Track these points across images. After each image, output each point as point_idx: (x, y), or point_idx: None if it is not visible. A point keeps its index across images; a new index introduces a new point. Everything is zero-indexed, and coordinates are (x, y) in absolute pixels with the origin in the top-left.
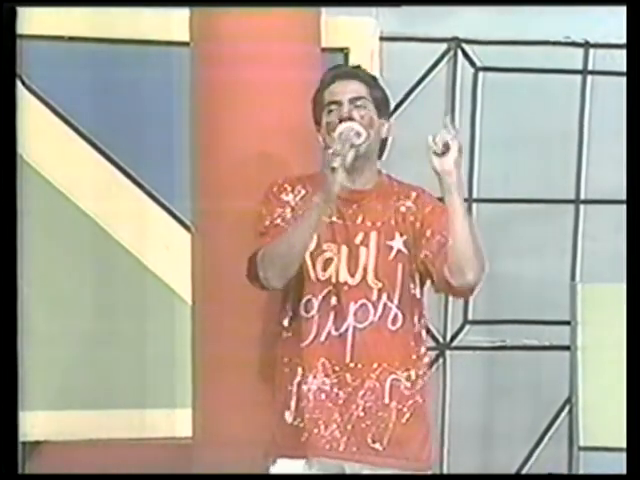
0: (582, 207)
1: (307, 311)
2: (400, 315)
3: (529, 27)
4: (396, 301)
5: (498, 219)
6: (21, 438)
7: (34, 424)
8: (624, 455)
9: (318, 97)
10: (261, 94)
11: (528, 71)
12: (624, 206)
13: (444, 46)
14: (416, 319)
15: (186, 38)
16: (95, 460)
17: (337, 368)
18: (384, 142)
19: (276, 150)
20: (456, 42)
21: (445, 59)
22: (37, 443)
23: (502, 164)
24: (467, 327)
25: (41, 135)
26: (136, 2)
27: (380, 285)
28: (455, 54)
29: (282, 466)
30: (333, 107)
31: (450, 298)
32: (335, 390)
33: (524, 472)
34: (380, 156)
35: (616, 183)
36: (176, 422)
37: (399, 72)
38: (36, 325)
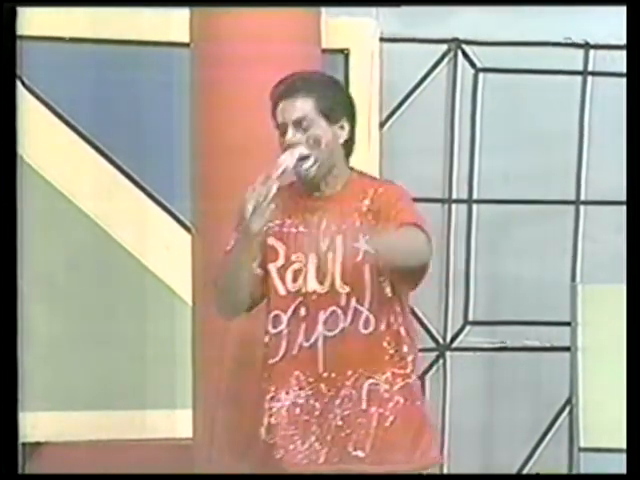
0: (582, 208)
1: (275, 327)
2: (372, 317)
3: (529, 28)
4: (367, 304)
5: (498, 220)
6: (22, 439)
7: (35, 425)
8: (624, 456)
9: (274, 116)
10: (261, 95)
11: (528, 72)
12: (624, 207)
13: (444, 47)
14: (392, 318)
15: (186, 39)
16: (96, 461)
17: (311, 379)
18: (348, 143)
19: (277, 150)
20: (456, 43)
21: (445, 60)
22: (38, 444)
23: (502, 165)
24: (467, 328)
25: (41, 136)
26: (136, 2)
27: (348, 289)
28: (455, 55)
29: None
30: (282, 130)
31: (450, 299)
32: (311, 402)
33: (525, 472)
34: (348, 156)
35: (616, 184)
36: (176, 423)
37: (399, 73)
38: (36, 326)
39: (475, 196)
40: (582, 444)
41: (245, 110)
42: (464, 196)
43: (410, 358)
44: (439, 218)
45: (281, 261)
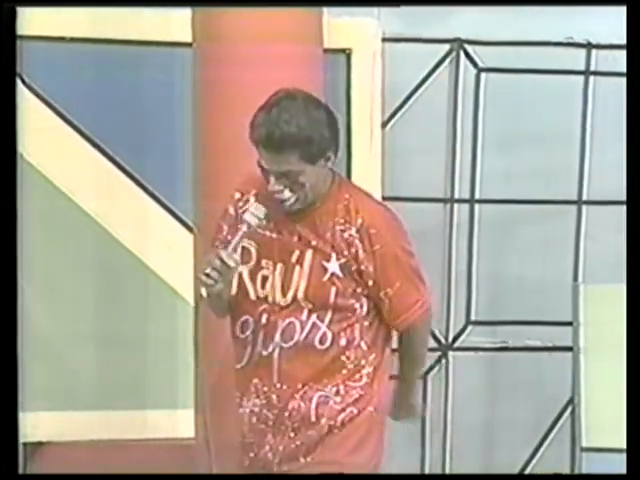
0: (584, 208)
1: (243, 332)
2: (329, 334)
3: (531, 28)
4: (326, 321)
5: (500, 220)
6: (23, 439)
7: (36, 425)
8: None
9: (251, 136)
10: (263, 94)
11: (530, 72)
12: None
13: (446, 47)
14: (357, 333)
15: (187, 39)
16: (97, 461)
17: (265, 389)
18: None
19: None
20: (458, 43)
21: (447, 60)
22: (39, 444)
23: (504, 165)
24: (469, 328)
25: (43, 135)
26: (136, 2)
27: (311, 306)
28: (457, 55)
29: None
30: (263, 171)
31: (452, 299)
32: (264, 412)
33: (527, 472)
34: (332, 167)
35: (618, 184)
36: (178, 423)
37: (401, 73)
38: (37, 325)
39: (477, 196)
40: (584, 444)
41: (247, 110)
42: (466, 196)
43: (368, 370)
44: (441, 218)
45: (252, 263)
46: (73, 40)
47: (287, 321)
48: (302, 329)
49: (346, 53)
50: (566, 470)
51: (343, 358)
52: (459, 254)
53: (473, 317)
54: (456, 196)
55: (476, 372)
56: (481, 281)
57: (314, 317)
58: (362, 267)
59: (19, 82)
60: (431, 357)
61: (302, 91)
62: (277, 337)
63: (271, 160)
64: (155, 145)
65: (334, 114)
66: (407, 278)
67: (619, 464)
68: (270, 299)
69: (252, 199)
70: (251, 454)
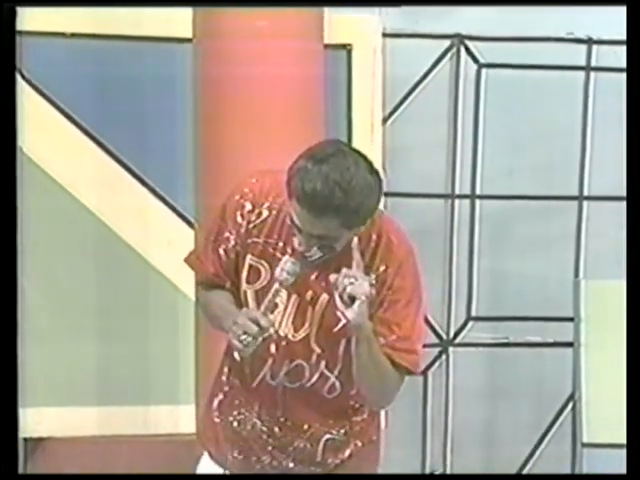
0: (585, 204)
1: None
2: (338, 384)
3: (532, 23)
4: (336, 372)
5: (501, 216)
6: (25, 434)
7: (38, 420)
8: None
9: (289, 182)
10: (264, 90)
11: (531, 67)
12: None
13: (447, 42)
14: None
15: (189, 34)
16: (98, 456)
17: (267, 417)
18: None
19: (279, 146)
20: (459, 39)
21: (448, 56)
22: (41, 439)
23: (505, 161)
24: (470, 324)
25: (43, 130)
26: (136, 2)
27: (319, 351)
28: (458, 51)
29: (206, 461)
30: (295, 230)
31: (453, 295)
32: (264, 437)
33: (527, 468)
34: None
35: (619, 180)
36: (179, 418)
37: (402, 68)
38: (38, 321)
39: (478, 191)
40: (585, 440)
41: (248, 106)
42: (467, 191)
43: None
44: (442, 213)
45: (262, 284)
46: (73, 36)
47: (295, 362)
48: (311, 375)
49: (347, 49)
50: (567, 466)
51: (351, 402)
52: (460, 250)
53: (474, 313)
54: (457, 192)
55: (477, 368)
56: (482, 277)
57: (322, 365)
58: (372, 311)
59: (19, 77)
60: (432, 353)
61: (355, 148)
62: (282, 375)
63: (307, 221)
64: (156, 140)
65: (382, 180)
66: (412, 324)
67: (620, 460)
68: (280, 329)
69: (286, 258)
70: (246, 451)
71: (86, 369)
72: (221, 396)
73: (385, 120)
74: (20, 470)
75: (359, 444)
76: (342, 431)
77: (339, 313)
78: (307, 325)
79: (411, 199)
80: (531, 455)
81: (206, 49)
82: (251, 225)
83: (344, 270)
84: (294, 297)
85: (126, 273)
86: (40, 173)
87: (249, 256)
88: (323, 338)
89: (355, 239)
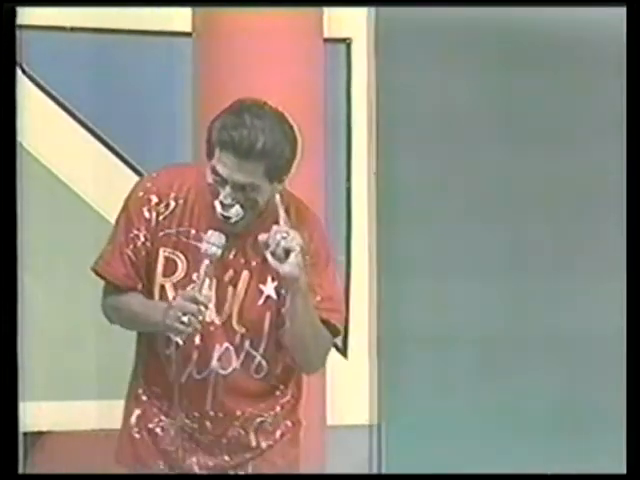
0: None
1: (167, 347)
2: (264, 363)
3: None
4: (261, 350)
5: None
6: (25, 428)
7: (37, 414)
8: None
9: (208, 156)
10: (264, 87)
11: None
12: None
13: None
14: (290, 360)
15: (188, 29)
16: (98, 450)
17: (196, 414)
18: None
19: None
20: None
21: None
22: (40, 433)
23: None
24: None
25: (42, 124)
26: (136, 2)
27: (244, 330)
28: None
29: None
30: (216, 178)
31: None
32: (196, 435)
33: None
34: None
35: None
36: None
37: None
38: (38, 315)
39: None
40: None
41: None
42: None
43: (297, 378)
44: None
45: (180, 275)
46: (73, 30)
47: (224, 346)
48: (237, 356)
49: (346, 42)
50: None
51: (277, 383)
52: None
53: None
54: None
55: None
56: None
57: (247, 344)
58: None
59: (19, 71)
60: None
61: (268, 103)
62: (214, 362)
63: (234, 168)
64: (155, 134)
65: (297, 136)
66: (334, 282)
67: None
68: (206, 316)
69: (210, 232)
70: (171, 459)
71: (85, 363)
72: (138, 411)
73: None
74: (20, 464)
75: (289, 424)
76: (272, 412)
77: (272, 272)
78: (227, 306)
79: None
80: None
81: (206, 44)
82: (161, 217)
83: (275, 227)
84: (213, 281)
85: None
86: (40, 168)
87: (162, 249)
88: (246, 316)
89: (277, 195)
